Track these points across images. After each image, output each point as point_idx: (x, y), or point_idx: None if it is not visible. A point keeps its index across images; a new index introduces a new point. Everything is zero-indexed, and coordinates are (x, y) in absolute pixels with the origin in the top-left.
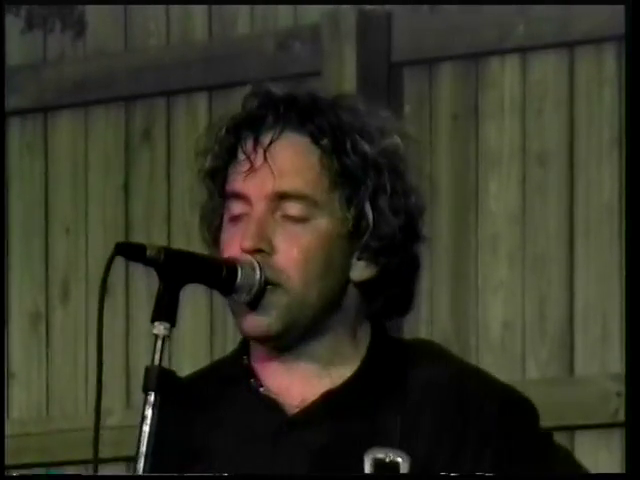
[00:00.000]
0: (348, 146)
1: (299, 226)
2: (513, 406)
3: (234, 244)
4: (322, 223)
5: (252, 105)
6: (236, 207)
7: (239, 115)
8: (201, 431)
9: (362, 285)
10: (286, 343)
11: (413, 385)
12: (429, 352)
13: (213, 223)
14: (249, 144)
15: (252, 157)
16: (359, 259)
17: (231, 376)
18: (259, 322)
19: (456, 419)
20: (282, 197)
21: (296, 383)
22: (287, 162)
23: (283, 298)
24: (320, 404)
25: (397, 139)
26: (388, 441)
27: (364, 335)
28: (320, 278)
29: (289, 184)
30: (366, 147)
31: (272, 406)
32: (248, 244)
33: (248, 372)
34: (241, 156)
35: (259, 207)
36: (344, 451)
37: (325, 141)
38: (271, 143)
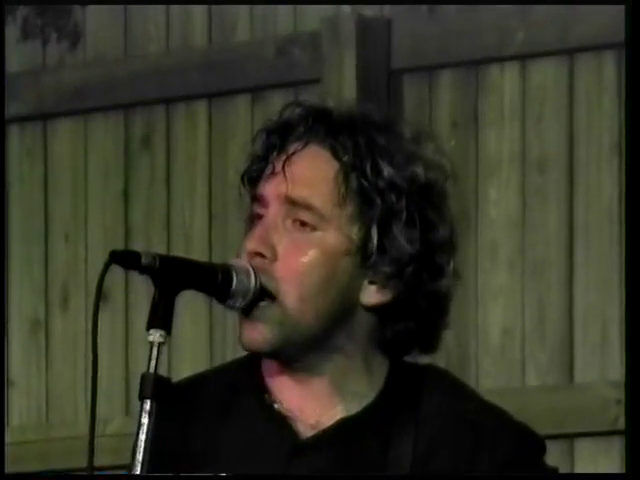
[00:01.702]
0: (367, 166)
1: (305, 236)
2: (526, 444)
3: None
4: (328, 237)
5: (289, 114)
6: (256, 210)
7: (274, 123)
8: (206, 436)
9: (375, 311)
10: (286, 358)
11: (428, 417)
12: (445, 383)
13: (248, 229)
14: (276, 152)
15: (275, 163)
16: (370, 283)
17: (241, 386)
18: (255, 336)
19: (469, 453)
20: (292, 204)
21: (309, 403)
22: (302, 171)
23: (277, 313)
24: (335, 430)
25: (421, 168)
26: (400, 471)
27: (381, 362)
28: (319, 293)
29: (299, 193)
30: (387, 170)
31: (286, 425)
32: (251, 246)
33: (261, 385)
34: (269, 162)
35: (271, 210)
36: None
37: (345, 157)
38: (294, 152)
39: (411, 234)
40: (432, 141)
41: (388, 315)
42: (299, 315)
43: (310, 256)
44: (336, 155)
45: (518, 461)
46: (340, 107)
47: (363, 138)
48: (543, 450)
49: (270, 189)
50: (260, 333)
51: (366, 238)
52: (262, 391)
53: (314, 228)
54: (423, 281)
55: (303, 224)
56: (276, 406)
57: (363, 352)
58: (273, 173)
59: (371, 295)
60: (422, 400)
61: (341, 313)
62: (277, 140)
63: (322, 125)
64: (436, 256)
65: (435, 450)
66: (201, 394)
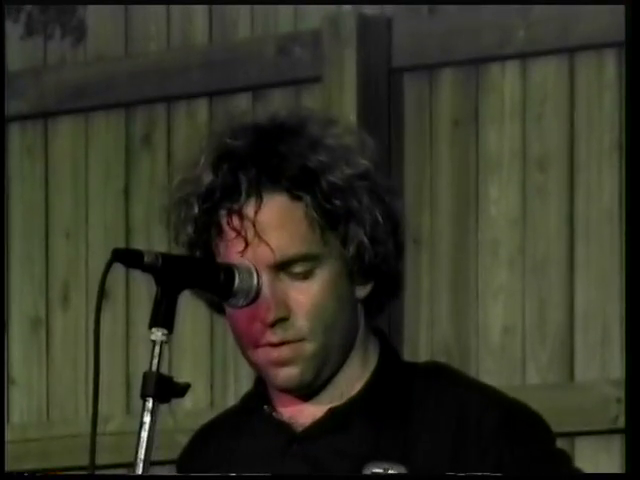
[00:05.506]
0: (328, 193)
1: (306, 282)
2: (514, 417)
3: (253, 321)
4: (326, 272)
5: (221, 169)
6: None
7: (212, 182)
8: (217, 463)
9: (364, 300)
10: (316, 388)
11: (418, 405)
12: (437, 373)
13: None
14: (234, 219)
15: (242, 233)
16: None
17: (247, 410)
18: (291, 375)
19: (456, 434)
20: (285, 264)
21: (309, 407)
22: (278, 231)
23: (308, 348)
24: (324, 420)
25: (365, 163)
26: (388, 459)
27: (372, 353)
28: (337, 319)
29: (288, 252)
30: (344, 182)
31: (283, 427)
32: (271, 318)
33: (263, 400)
34: (229, 232)
35: (264, 277)
36: (344, 467)
37: (304, 195)
38: (256, 213)
39: (386, 227)
40: (338, 123)
41: (374, 295)
42: (327, 342)
43: (318, 296)
44: (293, 196)
45: (504, 435)
46: (258, 122)
47: (308, 162)
48: (536, 423)
49: (253, 259)
50: (296, 372)
51: (359, 252)
52: (263, 404)
53: (311, 271)
54: (399, 255)
55: (300, 272)
56: (275, 414)
57: (363, 345)
58: (247, 245)
59: (362, 290)
60: (413, 390)
61: (353, 321)
62: (227, 204)
63: (263, 169)
64: (401, 226)
65: (424, 438)
66: (217, 440)
